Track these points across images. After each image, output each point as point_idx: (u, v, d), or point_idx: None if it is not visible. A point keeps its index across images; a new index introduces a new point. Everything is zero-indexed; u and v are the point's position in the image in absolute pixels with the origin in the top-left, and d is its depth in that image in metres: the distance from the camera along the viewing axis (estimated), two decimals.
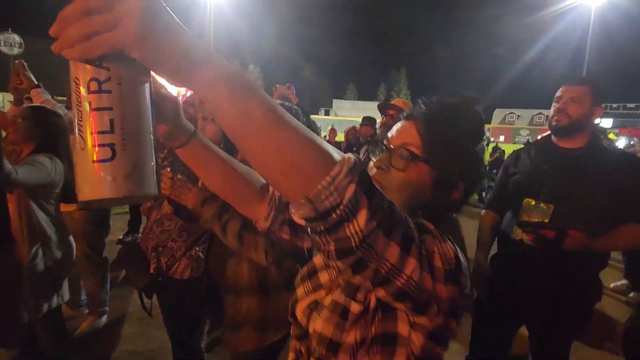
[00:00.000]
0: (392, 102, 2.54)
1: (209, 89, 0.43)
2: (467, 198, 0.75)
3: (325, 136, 8.77)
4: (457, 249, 0.61)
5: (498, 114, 48.85)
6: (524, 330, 1.86)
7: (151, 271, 1.71)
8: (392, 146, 0.72)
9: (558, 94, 1.68)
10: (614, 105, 49.74)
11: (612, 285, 3.90)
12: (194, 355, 1.87)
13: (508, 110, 49.15)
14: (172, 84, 0.50)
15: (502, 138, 40.78)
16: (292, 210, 0.47)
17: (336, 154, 0.45)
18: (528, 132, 41.63)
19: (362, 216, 0.45)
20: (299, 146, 0.43)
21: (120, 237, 4.30)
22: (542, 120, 46.11)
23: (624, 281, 3.85)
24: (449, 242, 0.60)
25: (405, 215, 0.54)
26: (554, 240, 1.53)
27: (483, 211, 1.97)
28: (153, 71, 0.44)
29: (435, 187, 0.70)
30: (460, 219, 0.82)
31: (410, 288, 0.53)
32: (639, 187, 1.53)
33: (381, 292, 0.54)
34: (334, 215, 0.44)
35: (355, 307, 0.63)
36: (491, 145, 12.88)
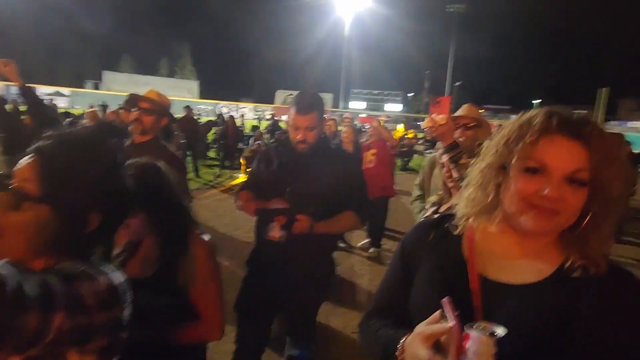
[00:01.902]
0: (144, 95, 2.23)
1: None
2: (111, 227, 0.78)
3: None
4: (112, 276, 0.70)
5: (280, 95, 53.05)
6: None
7: None
8: (10, 183, 0.69)
9: (293, 121, 1.79)
10: (364, 92, 62.26)
11: (358, 244, 4.86)
12: None
13: (288, 92, 53.97)
14: None
15: (285, 117, 44.55)
16: None
17: None
18: None
19: None
20: None
21: None
22: None
23: (367, 240, 4.85)
24: (102, 275, 0.68)
25: (40, 277, 0.59)
26: (286, 224, 1.70)
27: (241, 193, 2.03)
28: None
29: (60, 224, 0.68)
30: None
31: (64, 334, 0.60)
32: (350, 181, 1.87)
33: (34, 351, 0.59)
34: None
35: None
36: (282, 124, 14.12)
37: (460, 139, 2.20)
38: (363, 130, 9.73)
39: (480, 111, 2.53)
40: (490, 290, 0.73)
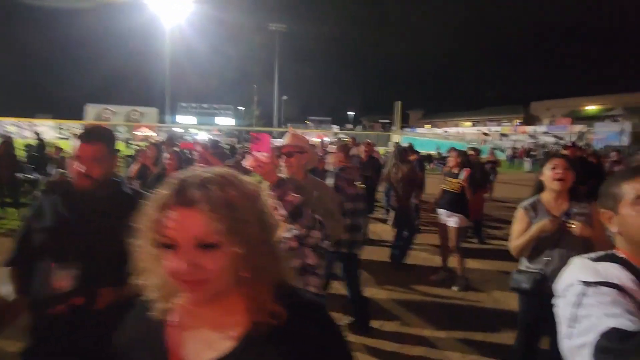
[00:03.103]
0: None
1: None
2: None
3: None
4: None
5: (91, 110, 45.96)
6: None
7: None
8: None
9: (77, 152, 1.52)
10: (194, 105, 59.94)
11: None
12: None
13: (102, 106, 47.35)
14: None
15: None
16: None
17: None
18: (126, 128, 42.14)
19: None
20: None
21: None
22: (137, 116, 47.89)
23: None
24: None
25: None
26: (86, 304, 1.37)
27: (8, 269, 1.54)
28: None
29: None
30: None
31: None
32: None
33: None
34: None
35: None
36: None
37: (283, 168, 2.24)
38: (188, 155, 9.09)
39: (305, 131, 2.62)
40: None
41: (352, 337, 3.25)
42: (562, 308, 0.96)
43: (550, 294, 1.04)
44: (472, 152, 6.64)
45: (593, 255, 1.06)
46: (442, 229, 4.66)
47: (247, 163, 1.57)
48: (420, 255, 5.51)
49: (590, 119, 42.64)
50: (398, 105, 52.52)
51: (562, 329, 0.92)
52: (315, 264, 1.80)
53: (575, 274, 0.99)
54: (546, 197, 2.36)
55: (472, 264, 4.78)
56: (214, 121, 56.91)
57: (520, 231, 2.37)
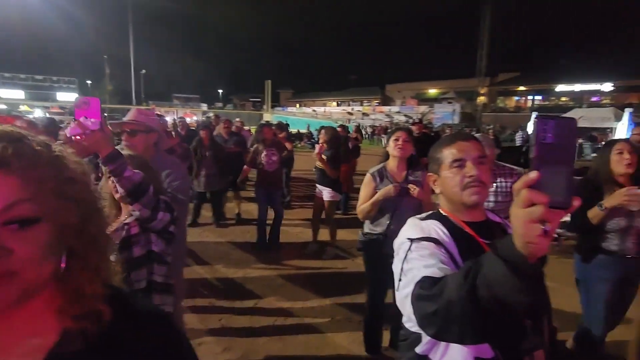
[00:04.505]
0: None
1: None
2: None
3: None
4: None
5: None
6: None
7: None
8: None
9: None
10: (22, 76, 49.14)
11: None
12: None
13: None
14: None
15: None
16: None
17: None
18: None
19: None
20: None
21: None
22: None
23: None
24: None
25: None
26: None
27: None
28: None
29: None
30: None
31: None
32: None
33: None
34: None
35: None
36: None
37: (125, 146, 1.98)
38: None
39: (155, 109, 2.34)
40: None
41: (225, 319, 3.17)
42: (395, 264, 1.06)
43: (391, 254, 1.13)
44: (340, 129, 7.08)
45: (423, 215, 1.20)
46: (317, 203, 4.85)
47: (69, 131, 1.30)
48: (293, 231, 5.67)
49: (432, 100, 49.81)
50: (268, 84, 52.40)
51: (395, 282, 1.02)
52: (162, 251, 1.63)
53: (406, 232, 1.11)
54: (390, 164, 2.62)
55: (338, 234, 5.13)
56: (55, 97, 47.81)
57: (366, 196, 2.58)
